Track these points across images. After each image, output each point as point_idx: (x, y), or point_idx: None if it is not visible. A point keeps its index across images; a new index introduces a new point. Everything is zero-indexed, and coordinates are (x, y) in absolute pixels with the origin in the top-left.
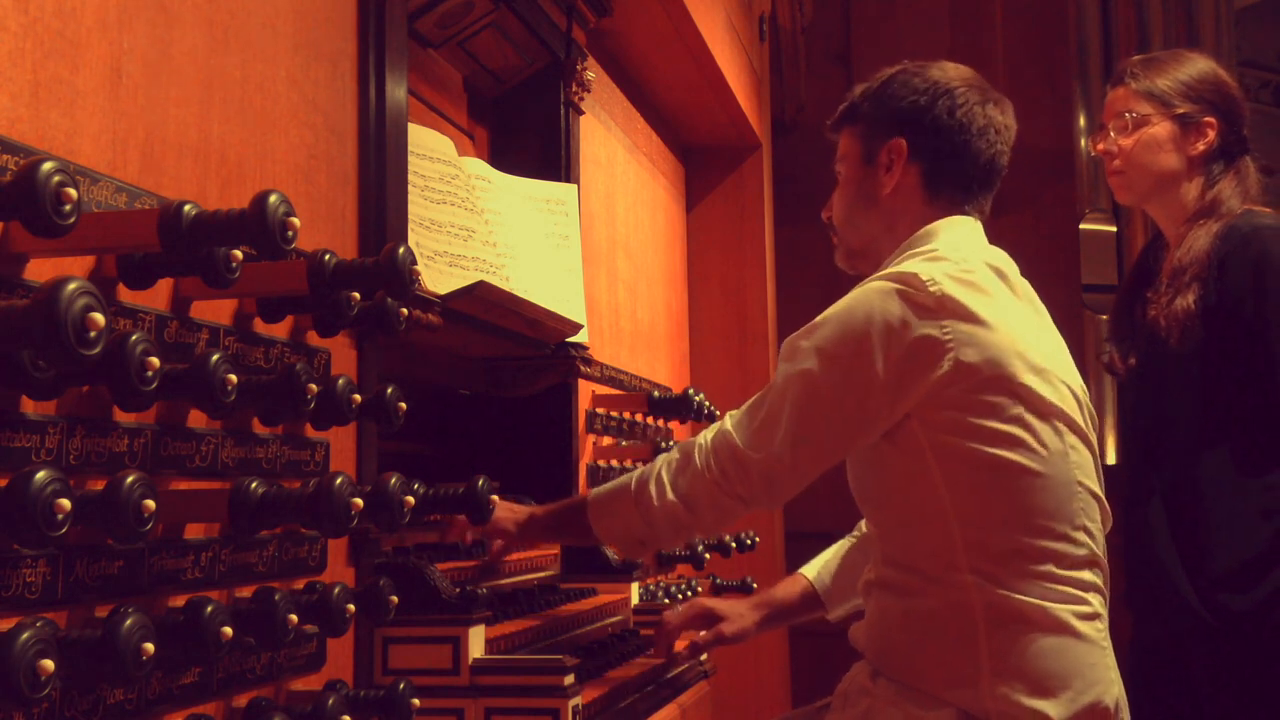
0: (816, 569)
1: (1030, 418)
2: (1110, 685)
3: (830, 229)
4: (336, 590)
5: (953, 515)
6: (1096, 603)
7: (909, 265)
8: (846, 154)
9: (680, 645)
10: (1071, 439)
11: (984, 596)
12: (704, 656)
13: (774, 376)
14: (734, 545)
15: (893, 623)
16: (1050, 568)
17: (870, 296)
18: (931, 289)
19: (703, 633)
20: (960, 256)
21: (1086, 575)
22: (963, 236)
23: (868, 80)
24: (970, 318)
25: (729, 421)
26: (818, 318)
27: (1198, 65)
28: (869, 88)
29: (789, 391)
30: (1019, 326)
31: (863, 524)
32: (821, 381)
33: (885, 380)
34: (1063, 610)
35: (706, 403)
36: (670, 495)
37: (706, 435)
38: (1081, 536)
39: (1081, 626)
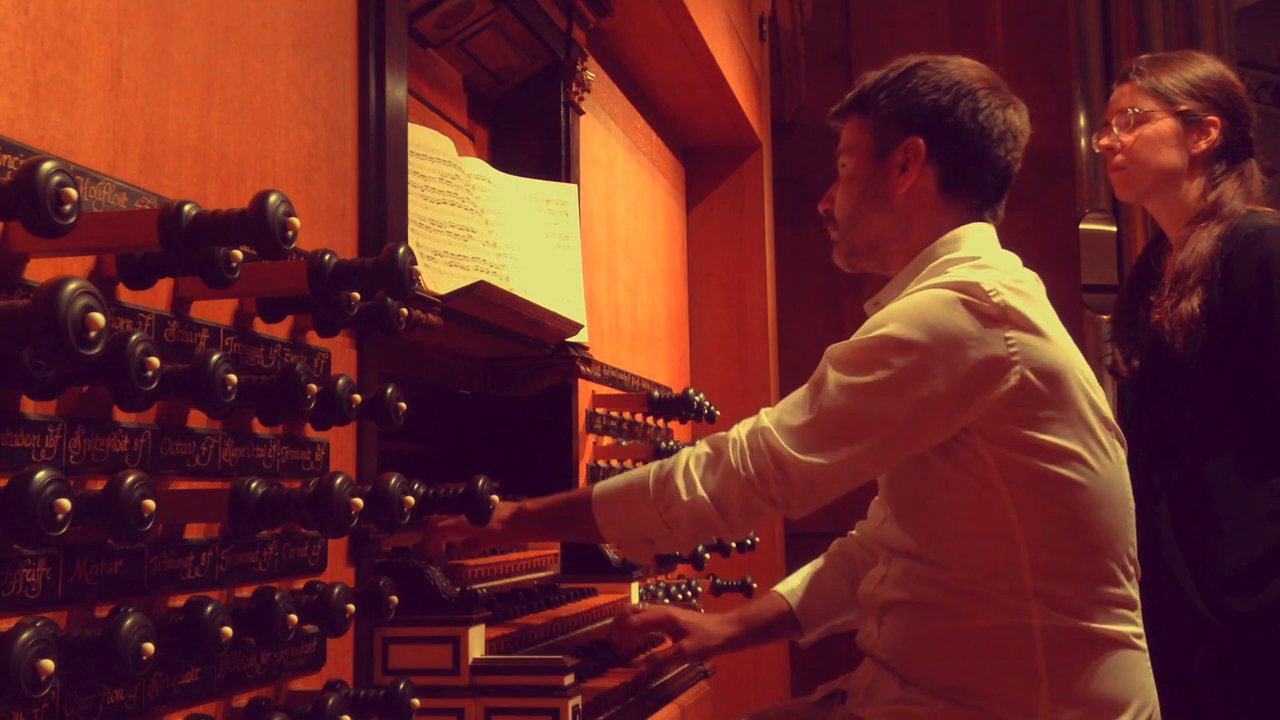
0: (796, 592)
1: (1091, 434)
2: (1156, 704)
3: (829, 222)
4: (336, 590)
5: (1021, 536)
6: (1139, 620)
7: (964, 273)
8: (855, 146)
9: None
10: (1119, 454)
11: (1045, 618)
12: None
13: (822, 375)
14: (734, 545)
15: (934, 641)
16: (1108, 587)
17: (933, 305)
18: (995, 299)
19: (662, 647)
20: (1005, 265)
21: (1133, 592)
22: (992, 244)
23: (882, 68)
24: (1032, 329)
25: (767, 419)
26: (872, 322)
27: (1205, 65)
28: (885, 78)
29: (841, 397)
30: (1066, 337)
31: (835, 544)
32: (878, 390)
33: (948, 393)
34: (1119, 630)
35: (706, 403)
36: (700, 491)
37: (740, 431)
38: (1132, 552)
39: (1135, 645)
